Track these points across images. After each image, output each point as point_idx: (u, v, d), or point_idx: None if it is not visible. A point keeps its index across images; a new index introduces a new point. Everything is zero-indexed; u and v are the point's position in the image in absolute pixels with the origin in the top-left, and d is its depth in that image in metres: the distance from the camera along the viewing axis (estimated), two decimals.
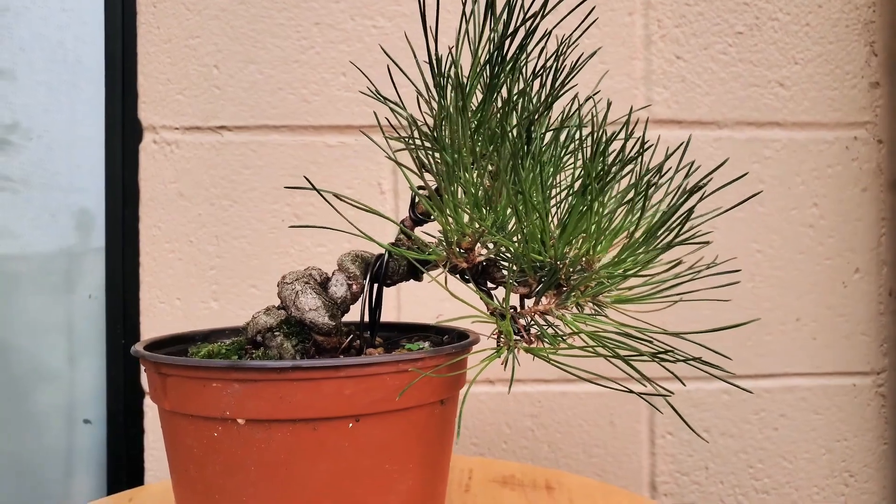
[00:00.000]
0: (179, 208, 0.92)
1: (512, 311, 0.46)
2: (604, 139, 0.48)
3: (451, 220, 0.48)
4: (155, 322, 0.92)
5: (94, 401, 1.00)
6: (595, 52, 0.62)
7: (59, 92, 0.99)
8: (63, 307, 1.01)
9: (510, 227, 0.48)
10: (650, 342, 0.47)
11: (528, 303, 0.50)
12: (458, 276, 0.52)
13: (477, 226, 0.48)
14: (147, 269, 0.92)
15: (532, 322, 0.48)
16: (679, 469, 0.95)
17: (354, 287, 0.52)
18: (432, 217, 0.50)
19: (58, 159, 1.00)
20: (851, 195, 0.95)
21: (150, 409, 0.92)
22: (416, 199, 0.53)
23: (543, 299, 0.48)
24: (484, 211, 0.47)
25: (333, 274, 0.53)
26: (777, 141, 0.94)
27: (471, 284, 0.51)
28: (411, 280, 0.56)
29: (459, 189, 0.48)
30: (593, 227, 0.46)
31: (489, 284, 0.53)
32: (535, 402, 0.94)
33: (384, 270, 0.53)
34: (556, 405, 0.94)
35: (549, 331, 0.47)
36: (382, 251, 0.54)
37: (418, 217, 0.54)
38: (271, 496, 0.44)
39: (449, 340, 0.58)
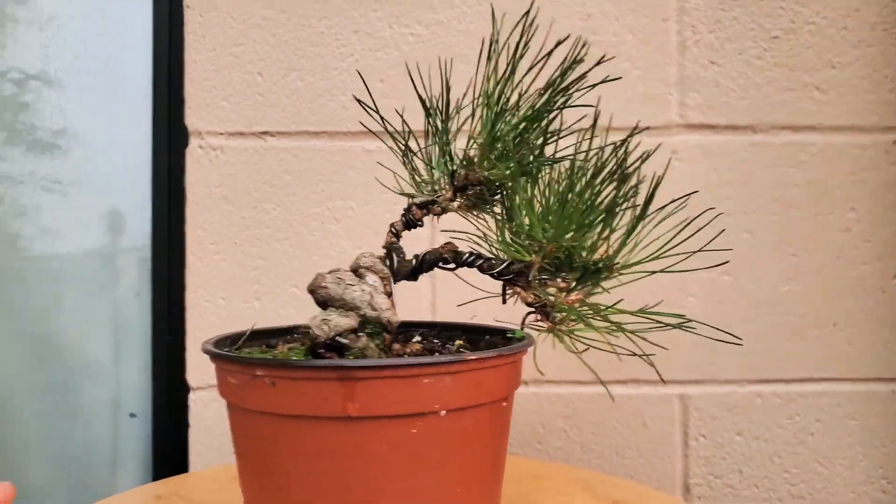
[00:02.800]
0: (224, 211, 0.95)
1: (550, 301, 0.53)
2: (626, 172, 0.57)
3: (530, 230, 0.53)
4: (199, 321, 0.95)
5: (140, 395, 1.04)
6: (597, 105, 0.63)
7: (108, 99, 1.04)
8: (109, 305, 1.05)
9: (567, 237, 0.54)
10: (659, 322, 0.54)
11: (565, 296, 0.54)
12: (492, 275, 0.55)
13: (551, 234, 0.52)
14: (192, 269, 0.95)
15: (569, 309, 0.54)
16: (712, 472, 0.95)
17: (388, 287, 0.55)
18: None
19: (106, 163, 1.04)
20: (889, 199, 0.94)
21: (195, 404, 0.96)
22: (411, 206, 0.58)
23: (575, 292, 0.55)
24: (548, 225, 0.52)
25: (364, 274, 0.54)
26: (813, 145, 0.94)
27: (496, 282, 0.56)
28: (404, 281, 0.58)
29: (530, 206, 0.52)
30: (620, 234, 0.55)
31: (521, 282, 0.56)
32: (569, 403, 0.95)
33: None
34: (590, 406, 0.95)
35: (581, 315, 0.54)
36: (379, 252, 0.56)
37: (411, 220, 0.57)
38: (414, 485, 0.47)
39: (485, 339, 0.61)
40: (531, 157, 0.57)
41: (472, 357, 0.48)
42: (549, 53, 0.57)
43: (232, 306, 0.95)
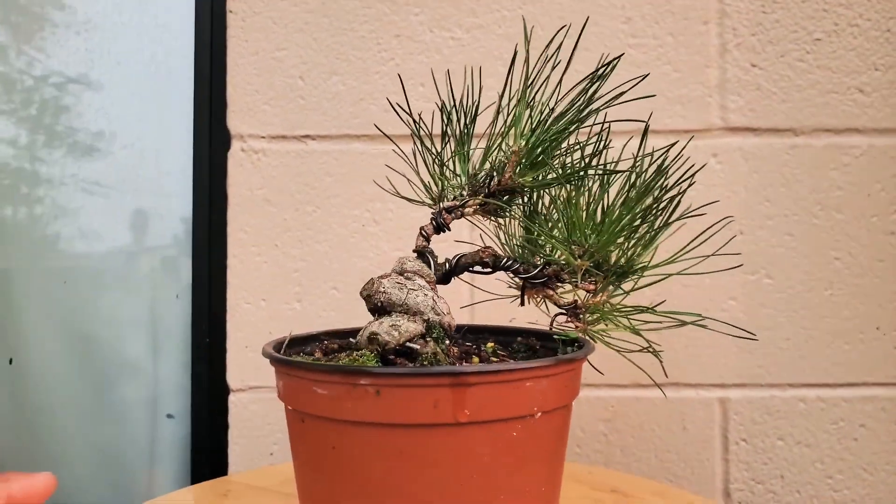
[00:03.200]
0: (266, 213, 0.96)
1: (578, 302, 0.57)
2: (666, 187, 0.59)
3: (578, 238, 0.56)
4: (240, 322, 0.96)
5: (178, 396, 1.05)
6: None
7: (152, 102, 1.05)
8: (149, 306, 1.06)
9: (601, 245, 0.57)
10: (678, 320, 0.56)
11: (593, 297, 0.58)
12: (525, 279, 0.58)
13: (602, 241, 0.53)
14: (234, 270, 0.96)
15: (601, 310, 0.58)
16: (754, 477, 0.94)
17: (435, 291, 0.55)
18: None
19: (149, 165, 1.06)
20: None
21: (234, 406, 0.96)
22: (441, 210, 0.59)
23: (601, 294, 0.58)
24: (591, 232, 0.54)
25: (412, 278, 0.55)
26: (856, 147, 0.93)
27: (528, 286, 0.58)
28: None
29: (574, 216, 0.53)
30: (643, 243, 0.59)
31: (554, 285, 0.59)
32: (608, 406, 0.94)
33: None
34: (629, 410, 0.95)
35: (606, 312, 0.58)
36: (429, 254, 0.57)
37: (441, 224, 0.58)
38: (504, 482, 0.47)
39: (516, 340, 0.63)
40: (577, 166, 0.58)
41: (566, 358, 0.49)
42: (597, 76, 0.57)
43: (272, 308, 0.96)
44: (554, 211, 0.60)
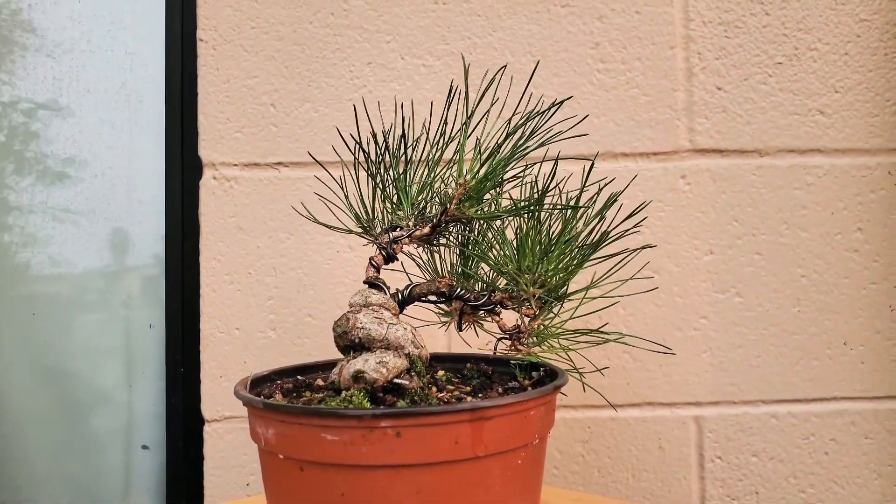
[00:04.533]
0: (239, 241, 0.95)
1: (519, 326, 0.60)
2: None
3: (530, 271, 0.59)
4: (214, 351, 0.95)
5: (153, 427, 1.03)
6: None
7: (123, 130, 1.04)
8: (122, 336, 1.05)
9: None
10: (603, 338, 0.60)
11: (533, 321, 0.62)
12: (473, 307, 0.61)
13: (542, 270, 0.56)
14: (207, 300, 0.95)
15: (537, 332, 0.61)
16: (729, 493, 0.95)
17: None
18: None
19: (120, 193, 1.05)
20: (895, 219, 0.96)
21: (209, 436, 0.95)
22: (390, 241, 0.60)
23: (539, 318, 0.61)
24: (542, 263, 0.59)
25: (378, 311, 0.55)
26: (819, 167, 0.96)
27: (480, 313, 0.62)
28: None
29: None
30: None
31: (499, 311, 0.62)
32: (585, 427, 0.95)
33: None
34: (606, 430, 0.95)
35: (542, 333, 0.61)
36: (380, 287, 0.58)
37: (391, 254, 0.60)
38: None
39: (465, 366, 0.65)
40: (530, 199, 0.59)
41: (560, 384, 0.52)
42: (534, 113, 0.60)
43: (247, 337, 0.95)
44: (494, 242, 0.62)
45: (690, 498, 0.95)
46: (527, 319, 0.60)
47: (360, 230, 0.61)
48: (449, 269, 0.66)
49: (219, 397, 0.95)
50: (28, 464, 1.02)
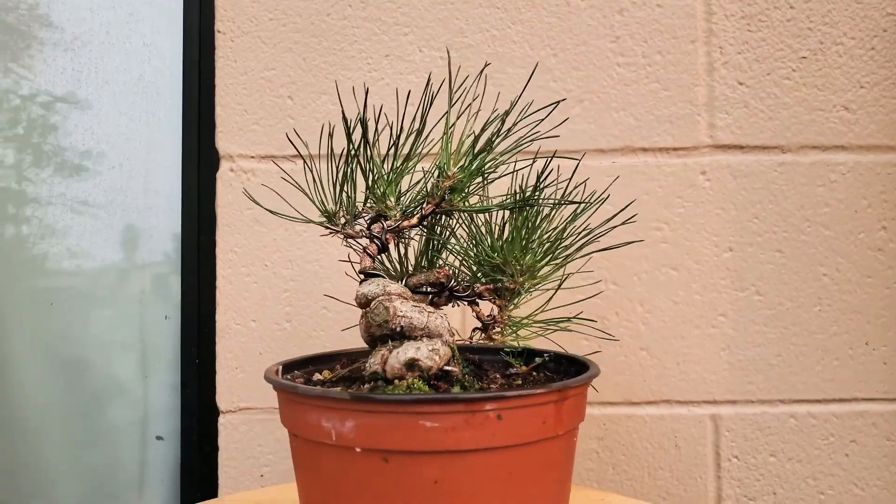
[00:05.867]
0: (255, 233, 0.95)
1: (496, 316, 0.62)
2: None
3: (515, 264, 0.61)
4: (230, 343, 0.95)
5: (167, 418, 1.04)
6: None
7: (140, 122, 1.05)
8: (139, 326, 1.05)
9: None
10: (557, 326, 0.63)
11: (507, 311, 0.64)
12: (458, 297, 0.63)
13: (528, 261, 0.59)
14: (223, 291, 0.95)
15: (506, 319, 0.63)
16: (746, 493, 0.94)
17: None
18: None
19: (137, 185, 1.05)
20: None
21: (224, 427, 0.95)
22: (384, 231, 0.61)
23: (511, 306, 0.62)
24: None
25: (405, 302, 0.55)
26: (843, 164, 0.94)
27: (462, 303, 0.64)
28: None
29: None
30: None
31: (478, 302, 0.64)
32: (601, 424, 0.94)
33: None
34: (622, 428, 0.94)
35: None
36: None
37: (384, 244, 0.60)
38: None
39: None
40: (524, 194, 0.60)
41: (597, 370, 0.55)
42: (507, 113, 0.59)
43: (263, 328, 0.95)
44: (477, 234, 0.63)
45: (706, 497, 0.94)
46: (498, 309, 0.62)
47: (323, 220, 0.62)
48: (414, 260, 0.67)
49: (234, 388, 0.95)
50: (44, 454, 1.03)
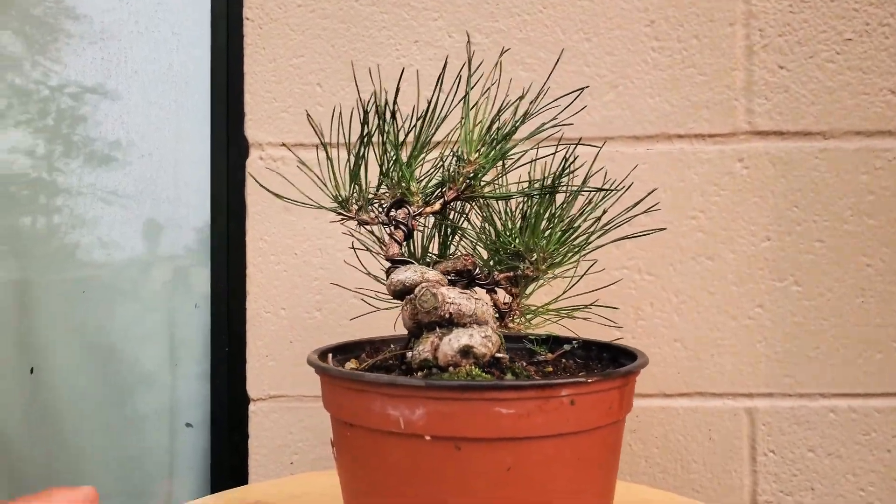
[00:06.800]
0: (285, 222, 0.95)
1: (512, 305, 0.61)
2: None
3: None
4: (260, 331, 0.95)
5: (197, 406, 1.05)
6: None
7: (169, 111, 1.05)
8: (168, 315, 1.06)
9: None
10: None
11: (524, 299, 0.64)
12: (480, 285, 0.62)
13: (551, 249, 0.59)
14: (253, 279, 0.95)
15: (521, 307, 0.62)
16: (783, 489, 0.92)
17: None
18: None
19: (166, 175, 1.05)
20: None
21: (255, 415, 0.96)
22: (409, 217, 0.60)
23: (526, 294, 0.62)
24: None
25: (451, 288, 0.54)
26: (889, 150, 0.91)
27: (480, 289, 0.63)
28: None
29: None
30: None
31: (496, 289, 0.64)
32: (633, 416, 0.93)
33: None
34: (654, 420, 0.93)
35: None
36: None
37: (411, 230, 0.59)
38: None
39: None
40: (548, 180, 0.59)
41: (646, 357, 0.55)
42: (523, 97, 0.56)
43: (293, 317, 0.95)
44: (497, 220, 0.62)
45: (741, 492, 0.92)
46: (512, 297, 0.61)
47: (335, 206, 0.61)
48: (421, 247, 0.65)
49: (264, 377, 0.95)
50: (77, 441, 1.04)
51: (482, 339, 0.50)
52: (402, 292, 0.58)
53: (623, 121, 0.93)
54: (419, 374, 0.53)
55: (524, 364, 0.59)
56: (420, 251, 0.66)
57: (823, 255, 0.92)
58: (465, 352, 0.50)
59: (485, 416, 0.44)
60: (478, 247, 0.64)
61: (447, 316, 0.52)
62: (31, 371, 1.04)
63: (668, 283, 0.93)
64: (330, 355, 0.62)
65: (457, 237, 0.66)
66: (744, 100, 0.92)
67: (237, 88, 0.97)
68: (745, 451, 0.92)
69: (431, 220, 0.64)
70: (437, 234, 0.68)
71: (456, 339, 0.50)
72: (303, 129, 0.95)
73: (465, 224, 0.65)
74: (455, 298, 0.52)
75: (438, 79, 0.57)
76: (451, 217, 0.65)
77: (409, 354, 0.58)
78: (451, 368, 0.51)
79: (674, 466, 0.93)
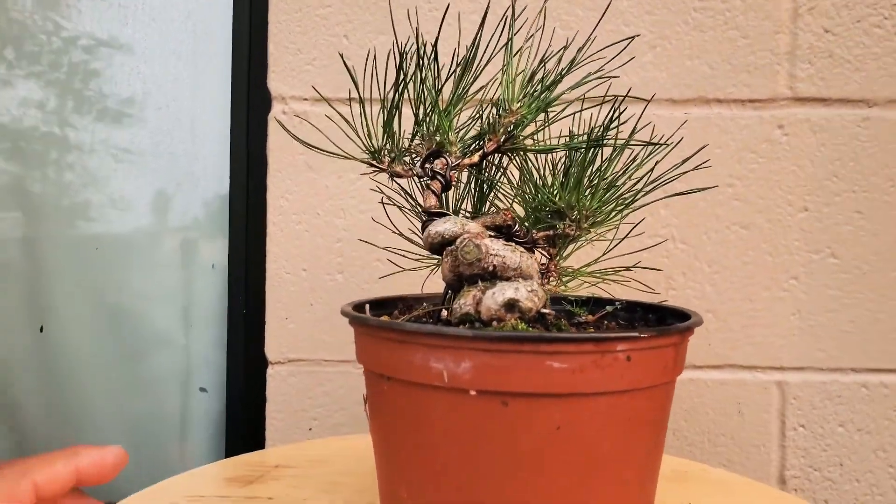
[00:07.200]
0: (307, 180, 0.92)
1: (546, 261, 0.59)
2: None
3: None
4: (280, 292, 0.92)
5: (212, 369, 1.02)
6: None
7: (187, 62, 1.01)
8: (184, 276, 1.03)
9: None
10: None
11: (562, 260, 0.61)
12: (520, 243, 0.59)
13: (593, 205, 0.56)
14: (273, 239, 0.92)
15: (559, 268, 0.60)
16: (812, 464, 0.90)
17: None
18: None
19: (183, 130, 1.02)
20: None
21: (272, 379, 0.93)
22: (446, 168, 0.57)
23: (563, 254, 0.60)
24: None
25: (495, 240, 0.52)
26: None
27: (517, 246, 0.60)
28: None
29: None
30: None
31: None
32: None
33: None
34: (683, 392, 0.91)
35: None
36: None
37: (448, 181, 0.56)
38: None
39: None
40: (594, 133, 0.55)
41: (700, 317, 0.51)
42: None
43: (313, 278, 0.92)
44: (537, 175, 0.59)
45: (769, 466, 0.91)
46: (549, 258, 0.59)
47: (366, 157, 0.58)
48: (453, 201, 0.63)
49: (283, 340, 0.93)
50: (87, 401, 1.01)
51: (528, 294, 0.47)
52: (440, 245, 0.55)
53: (660, 83, 0.90)
54: (461, 327, 0.50)
55: (566, 324, 0.56)
56: (453, 208, 0.63)
57: (862, 227, 0.89)
58: (511, 305, 0.47)
59: (536, 371, 0.41)
60: (515, 204, 0.61)
61: (490, 269, 0.49)
62: (41, 330, 1.00)
63: (701, 251, 0.90)
64: (367, 306, 0.59)
65: (492, 194, 0.63)
66: (787, 64, 0.89)
67: (260, 39, 0.93)
68: (774, 425, 0.91)
69: (465, 176, 0.62)
70: (470, 190, 0.65)
71: (500, 293, 0.48)
72: (328, 83, 0.91)
73: (505, 180, 0.62)
74: (500, 250, 0.50)
75: (482, 19, 0.54)
76: (488, 171, 0.62)
77: (444, 312, 0.55)
78: (494, 323, 0.48)
79: (701, 439, 0.91)
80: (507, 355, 0.42)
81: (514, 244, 0.49)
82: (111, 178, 1.02)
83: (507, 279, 0.49)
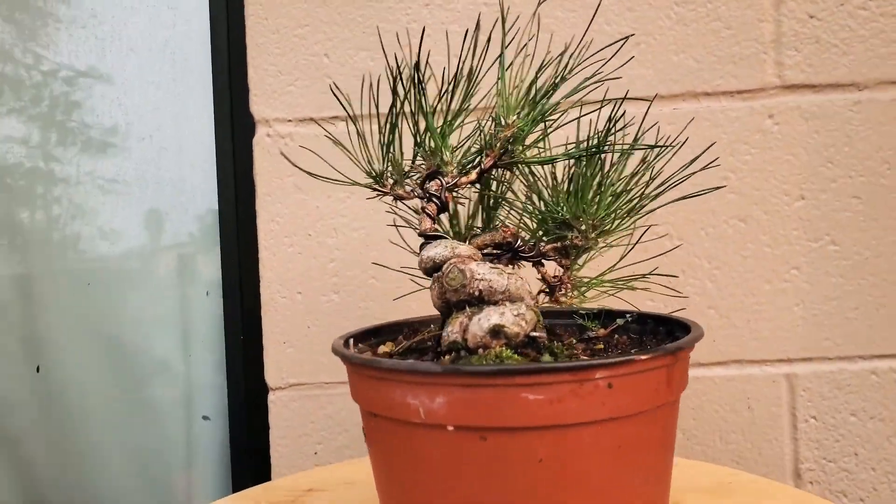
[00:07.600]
0: (297, 201, 0.91)
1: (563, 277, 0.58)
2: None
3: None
4: (276, 317, 0.91)
5: (213, 397, 1.01)
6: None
7: (168, 91, 1.00)
8: (179, 304, 1.02)
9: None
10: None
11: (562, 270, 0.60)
12: (525, 258, 0.58)
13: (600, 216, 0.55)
14: (266, 264, 0.91)
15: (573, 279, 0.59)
16: (825, 455, 0.89)
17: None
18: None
19: (169, 158, 1.01)
20: None
21: (274, 405, 0.92)
22: (441, 190, 0.56)
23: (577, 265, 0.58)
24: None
25: (481, 263, 0.50)
26: None
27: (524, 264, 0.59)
28: None
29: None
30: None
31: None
32: None
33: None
34: (690, 390, 0.90)
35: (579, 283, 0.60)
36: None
37: (444, 203, 0.55)
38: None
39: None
40: (597, 139, 0.55)
41: (701, 330, 0.50)
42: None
43: (309, 300, 0.91)
44: (540, 188, 0.58)
45: (783, 460, 0.89)
46: (563, 269, 0.58)
47: (370, 181, 0.57)
48: (465, 220, 0.61)
49: (283, 364, 0.91)
50: (90, 437, 1.00)
51: (514, 318, 0.46)
52: (432, 269, 0.54)
53: (646, 80, 0.89)
54: (447, 357, 0.49)
55: (572, 342, 0.55)
56: (463, 226, 0.62)
57: (860, 212, 0.88)
58: (496, 332, 0.46)
59: (511, 404, 0.40)
60: (524, 218, 0.60)
61: (477, 293, 0.48)
62: (38, 370, 0.99)
63: (699, 248, 0.89)
64: (352, 340, 0.58)
65: (503, 209, 0.62)
66: (773, 52, 0.88)
67: (240, 63, 0.92)
68: (785, 418, 0.89)
69: (468, 190, 0.60)
70: (480, 207, 0.64)
71: (486, 319, 0.47)
72: (310, 103, 0.90)
73: (510, 194, 0.60)
74: (485, 274, 0.48)
75: (474, 37, 0.53)
76: (493, 187, 0.61)
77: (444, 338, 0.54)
78: (480, 350, 0.47)
79: (711, 438, 0.90)
80: (481, 389, 0.40)
81: (501, 267, 0.48)
82: (100, 210, 1.01)
83: (495, 303, 0.48)
